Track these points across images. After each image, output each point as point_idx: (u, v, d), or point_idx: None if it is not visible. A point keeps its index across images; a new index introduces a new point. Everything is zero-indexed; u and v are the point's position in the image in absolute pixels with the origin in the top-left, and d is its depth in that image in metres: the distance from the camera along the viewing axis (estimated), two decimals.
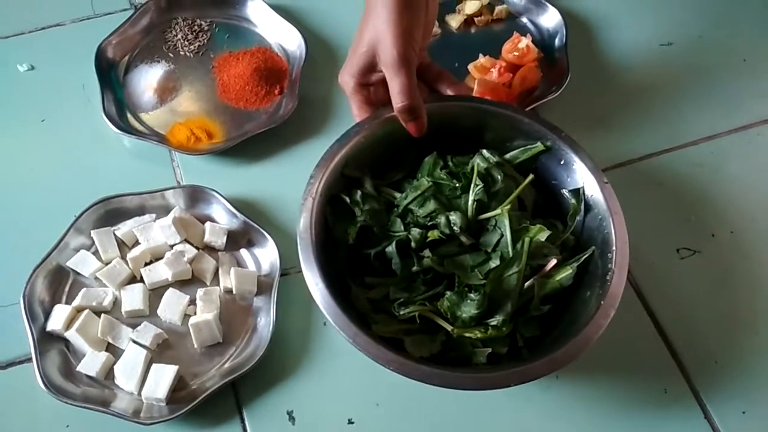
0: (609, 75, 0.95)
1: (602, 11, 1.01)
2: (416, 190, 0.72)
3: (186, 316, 0.74)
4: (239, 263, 0.78)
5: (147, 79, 0.89)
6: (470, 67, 0.92)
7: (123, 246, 0.78)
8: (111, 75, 0.89)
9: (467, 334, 0.64)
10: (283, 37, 0.94)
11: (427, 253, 0.69)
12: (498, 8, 1.00)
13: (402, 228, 0.71)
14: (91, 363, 0.70)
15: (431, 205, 0.71)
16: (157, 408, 0.69)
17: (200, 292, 0.74)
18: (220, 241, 0.77)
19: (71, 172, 0.84)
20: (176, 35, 0.94)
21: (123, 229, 0.78)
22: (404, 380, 0.60)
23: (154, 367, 0.70)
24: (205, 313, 0.73)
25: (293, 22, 0.93)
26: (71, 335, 0.71)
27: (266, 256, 0.77)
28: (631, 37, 0.99)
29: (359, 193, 0.72)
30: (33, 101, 0.89)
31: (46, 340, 0.72)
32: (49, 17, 0.96)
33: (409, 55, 0.68)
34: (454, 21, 0.99)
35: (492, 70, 0.90)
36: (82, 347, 0.72)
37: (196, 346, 0.72)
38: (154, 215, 0.79)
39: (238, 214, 0.78)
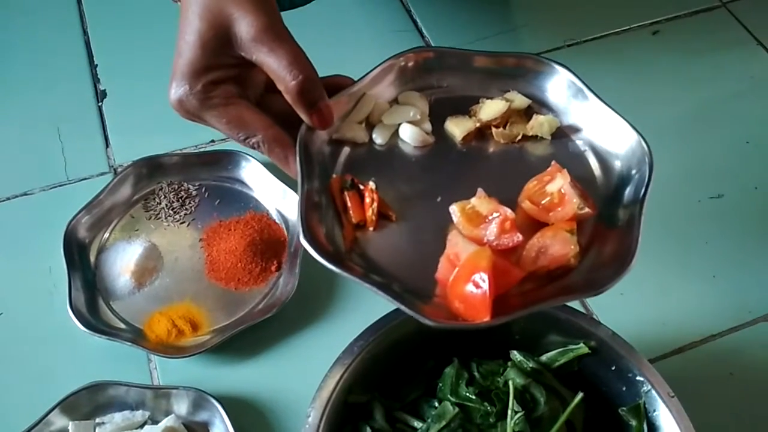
0: None
1: None
2: (440, 419, 0.59)
3: None
4: None
5: (123, 260, 0.78)
6: (453, 208, 0.53)
7: None
8: (82, 257, 0.78)
9: None
10: (281, 202, 0.82)
11: None
12: (540, 119, 0.58)
13: None
14: None
15: None
16: None
17: None
18: None
19: (30, 374, 0.72)
20: (160, 203, 0.82)
21: (108, 426, 0.68)
22: None
23: None
24: None
25: (292, 186, 0.80)
26: None
27: None
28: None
29: (368, 429, 0.60)
30: None
31: None
32: (15, 186, 0.85)
33: (282, 24, 0.50)
34: (459, 128, 0.58)
35: (490, 220, 0.51)
36: None
37: None
38: (148, 414, 0.69)
39: None
